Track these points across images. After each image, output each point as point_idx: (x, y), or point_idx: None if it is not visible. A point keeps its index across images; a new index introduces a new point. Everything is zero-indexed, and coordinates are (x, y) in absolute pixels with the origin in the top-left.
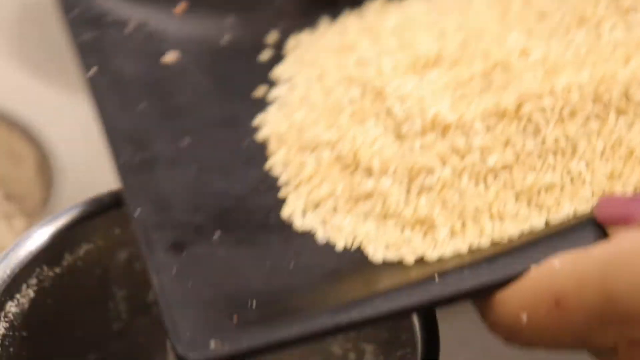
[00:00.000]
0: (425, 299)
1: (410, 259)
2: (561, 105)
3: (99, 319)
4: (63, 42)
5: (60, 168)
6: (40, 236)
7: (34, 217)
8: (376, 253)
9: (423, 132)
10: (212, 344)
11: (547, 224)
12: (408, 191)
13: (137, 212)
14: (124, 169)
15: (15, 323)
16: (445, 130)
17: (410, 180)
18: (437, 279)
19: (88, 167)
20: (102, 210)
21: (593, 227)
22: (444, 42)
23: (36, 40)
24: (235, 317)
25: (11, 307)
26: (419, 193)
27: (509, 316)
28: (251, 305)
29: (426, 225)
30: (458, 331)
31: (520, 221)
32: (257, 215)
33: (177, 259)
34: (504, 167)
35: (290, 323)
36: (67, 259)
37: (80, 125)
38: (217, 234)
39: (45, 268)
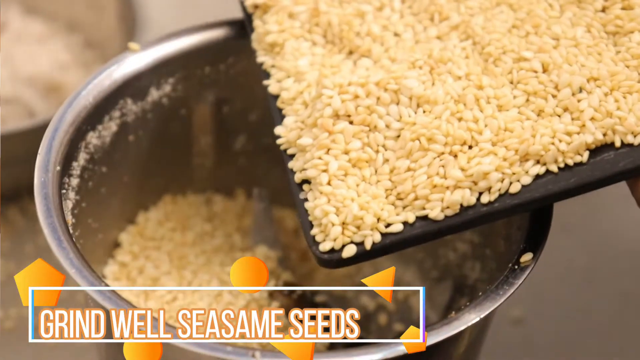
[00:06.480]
0: (579, 183)
1: None
2: None
3: (181, 164)
4: None
5: (142, 16)
6: (126, 66)
7: None
8: None
9: None
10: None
11: None
12: None
13: None
14: None
15: (96, 156)
16: None
17: None
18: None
19: (169, 16)
20: (192, 43)
21: None
22: None
23: None
24: None
25: (92, 138)
26: None
27: None
28: None
29: None
30: None
31: None
32: None
33: None
34: None
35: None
36: (153, 95)
37: None
38: None
39: (129, 101)
